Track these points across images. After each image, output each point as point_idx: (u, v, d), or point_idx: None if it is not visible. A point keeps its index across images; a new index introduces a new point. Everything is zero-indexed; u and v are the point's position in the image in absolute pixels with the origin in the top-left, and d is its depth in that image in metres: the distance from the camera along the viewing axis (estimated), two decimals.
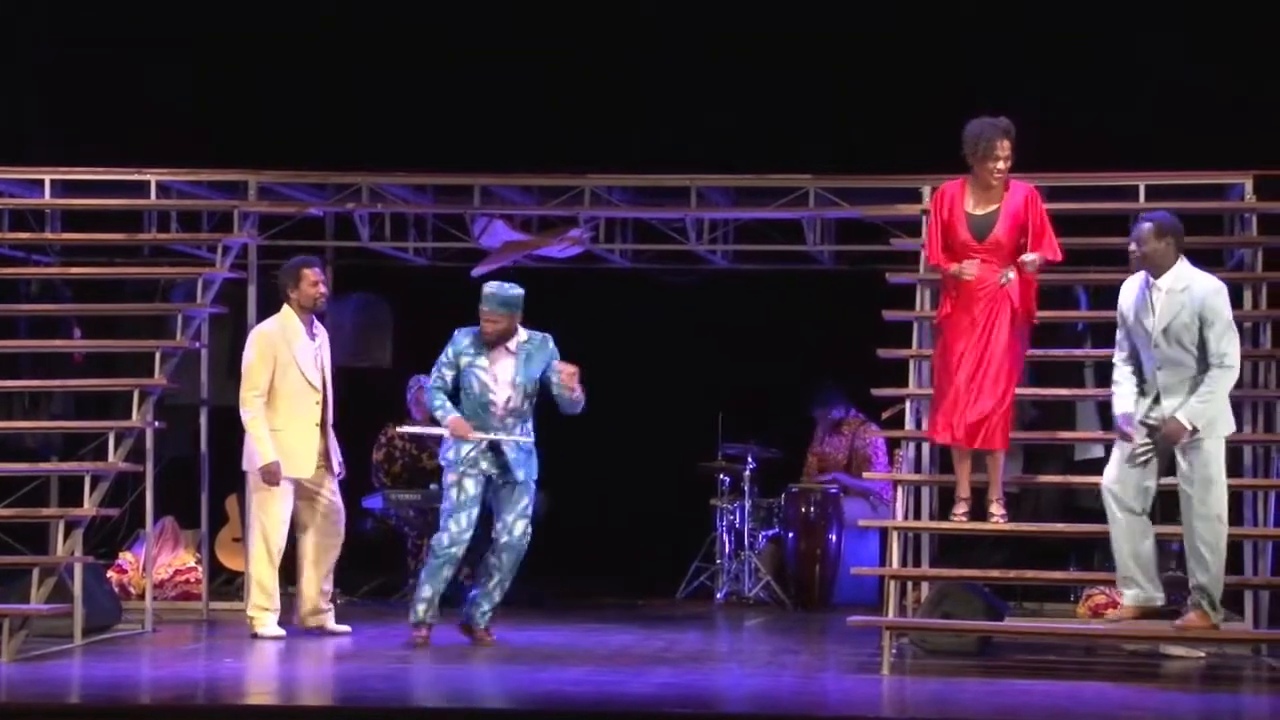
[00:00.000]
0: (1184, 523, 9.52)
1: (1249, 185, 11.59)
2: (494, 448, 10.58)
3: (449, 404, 10.61)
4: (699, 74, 13.57)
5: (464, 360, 10.61)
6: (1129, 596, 9.62)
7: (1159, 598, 9.63)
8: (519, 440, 10.62)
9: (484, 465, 10.60)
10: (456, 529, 10.54)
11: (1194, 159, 11.74)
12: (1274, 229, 11.50)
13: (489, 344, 10.57)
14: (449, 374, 10.65)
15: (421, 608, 10.61)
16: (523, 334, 10.65)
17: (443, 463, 10.72)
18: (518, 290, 10.62)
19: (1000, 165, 10.12)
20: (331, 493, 11.06)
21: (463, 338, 10.63)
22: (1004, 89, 12.32)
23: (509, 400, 10.59)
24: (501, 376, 10.59)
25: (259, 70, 13.84)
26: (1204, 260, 11.45)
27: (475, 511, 10.59)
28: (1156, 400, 9.52)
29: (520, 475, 10.62)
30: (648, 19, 13.75)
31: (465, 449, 10.56)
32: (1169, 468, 9.58)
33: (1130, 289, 9.68)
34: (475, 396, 10.59)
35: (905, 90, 12.94)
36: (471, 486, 10.57)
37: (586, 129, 13.41)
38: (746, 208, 12.70)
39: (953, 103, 10.44)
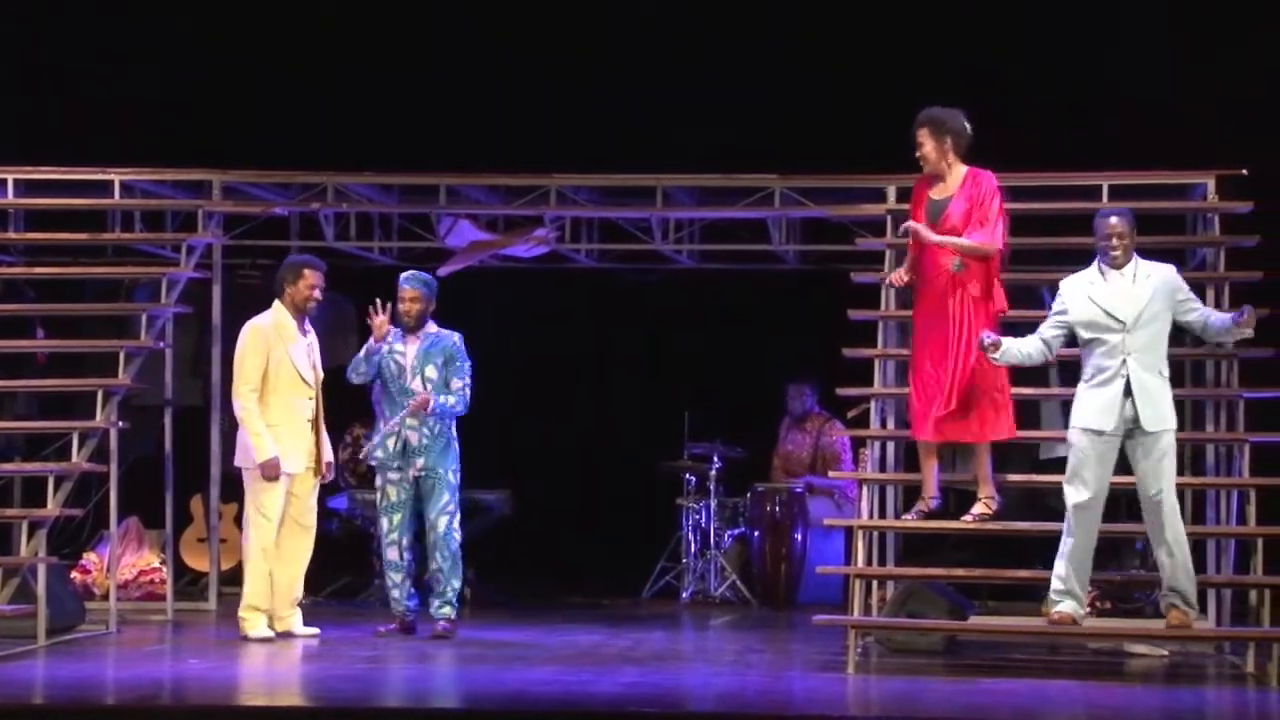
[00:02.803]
0: (1153, 526, 9.62)
1: (1211, 185, 11.68)
2: (406, 443, 10.86)
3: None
4: (664, 74, 13.59)
5: (384, 347, 10.89)
6: (1068, 606, 9.68)
7: (1085, 610, 9.82)
8: (431, 427, 10.89)
9: (399, 465, 10.87)
10: (381, 531, 11.02)
11: (1157, 159, 11.82)
12: (1236, 229, 11.57)
13: (406, 329, 10.89)
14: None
15: (395, 594, 11.08)
16: (432, 326, 10.96)
17: (371, 462, 11.01)
18: (432, 276, 11.11)
19: (917, 154, 10.24)
20: (310, 493, 11.05)
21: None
22: (969, 90, 12.31)
23: (423, 385, 10.86)
24: (412, 363, 10.89)
25: (224, 70, 13.85)
26: (1167, 259, 11.52)
27: (400, 514, 10.92)
28: (1127, 393, 9.58)
29: (438, 469, 10.85)
30: (614, 20, 13.78)
31: (380, 452, 10.87)
32: (1124, 467, 9.69)
33: (1079, 285, 9.77)
34: (392, 379, 10.90)
35: (870, 91, 12.98)
36: (394, 493, 10.91)
37: (552, 129, 13.47)
38: (712, 207, 12.76)
39: (918, 103, 10.46)
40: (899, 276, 10.50)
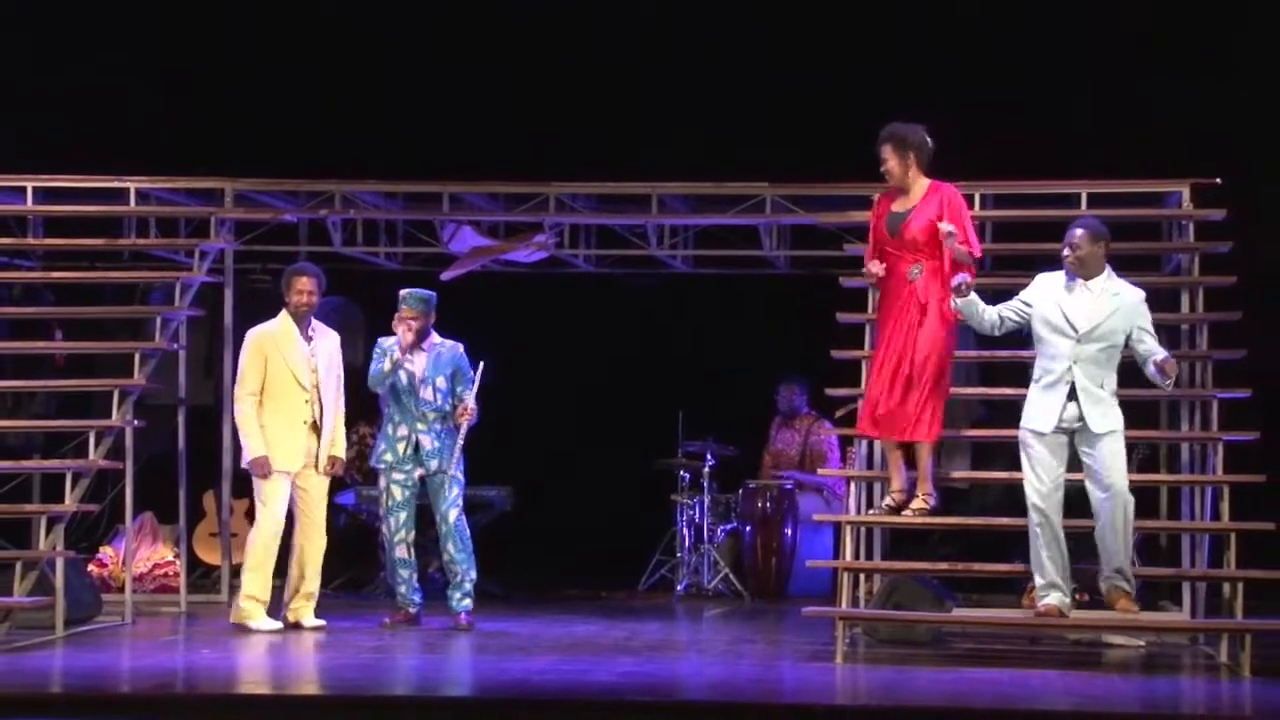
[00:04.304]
0: (1101, 516, 9.78)
1: (1186, 193, 11.77)
2: (417, 446, 11.16)
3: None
4: (659, 85, 13.72)
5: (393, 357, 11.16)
6: (1054, 598, 9.85)
7: (1070, 600, 9.97)
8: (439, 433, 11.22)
9: (409, 468, 11.17)
10: (388, 530, 11.26)
11: (1134, 168, 11.92)
12: (1209, 235, 11.69)
13: (412, 345, 11.15)
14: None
15: (402, 589, 11.31)
16: (435, 337, 11.25)
17: (378, 466, 11.25)
18: (432, 293, 11.30)
19: (882, 169, 10.46)
20: (319, 491, 11.22)
21: (385, 341, 11.25)
22: (952, 100, 12.54)
23: (434, 395, 11.14)
24: (422, 374, 11.19)
25: (236, 81, 13.97)
26: (1143, 265, 11.73)
27: (406, 513, 11.23)
28: (1071, 397, 9.77)
29: (447, 467, 11.17)
30: (611, 32, 13.90)
31: (390, 455, 11.16)
32: (1074, 464, 9.88)
33: (1051, 284, 9.93)
34: (404, 389, 11.15)
35: (857, 102, 13.02)
36: (399, 492, 11.20)
37: (552, 138, 13.57)
38: (705, 214, 12.87)
39: (902, 113, 10.59)
40: (876, 266, 10.49)
